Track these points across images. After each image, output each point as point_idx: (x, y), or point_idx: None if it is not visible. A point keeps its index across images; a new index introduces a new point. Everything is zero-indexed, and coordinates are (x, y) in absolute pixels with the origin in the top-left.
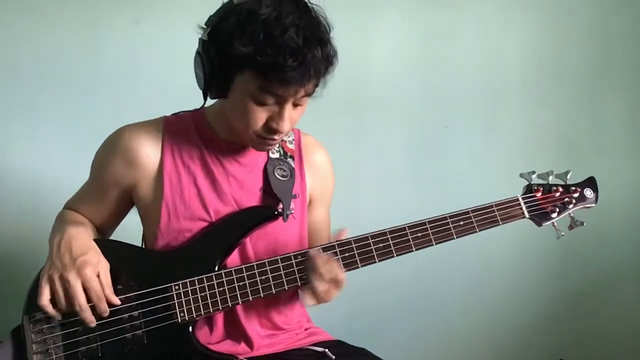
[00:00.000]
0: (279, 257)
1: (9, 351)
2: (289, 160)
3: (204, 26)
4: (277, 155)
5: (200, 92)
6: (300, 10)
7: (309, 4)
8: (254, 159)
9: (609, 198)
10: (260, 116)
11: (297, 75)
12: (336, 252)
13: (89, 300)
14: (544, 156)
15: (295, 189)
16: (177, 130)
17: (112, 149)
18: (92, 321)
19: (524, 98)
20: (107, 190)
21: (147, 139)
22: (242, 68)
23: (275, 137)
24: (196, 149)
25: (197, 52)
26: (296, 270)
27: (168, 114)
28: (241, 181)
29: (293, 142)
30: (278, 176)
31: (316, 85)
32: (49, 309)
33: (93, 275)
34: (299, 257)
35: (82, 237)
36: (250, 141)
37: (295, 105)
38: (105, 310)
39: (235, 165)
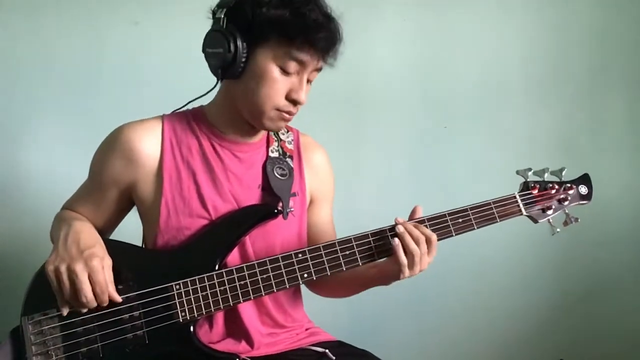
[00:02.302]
0: (279, 256)
1: (9, 352)
2: (288, 160)
3: (215, 8)
4: (276, 154)
5: (200, 92)
6: None
7: None
8: (253, 156)
9: (609, 198)
10: (282, 86)
11: (324, 39)
12: (337, 249)
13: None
14: (544, 156)
15: (295, 188)
16: (176, 126)
17: (111, 148)
18: (92, 307)
19: (524, 98)
20: (107, 190)
21: (146, 137)
22: (269, 35)
23: (293, 110)
24: (196, 145)
25: (214, 30)
26: (297, 269)
27: (168, 112)
28: (240, 178)
29: (292, 142)
30: (277, 175)
31: (329, 61)
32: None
33: (100, 268)
34: (300, 255)
35: (89, 231)
36: (267, 118)
37: (309, 80)
38: (106, 302)
39: (235, 161)
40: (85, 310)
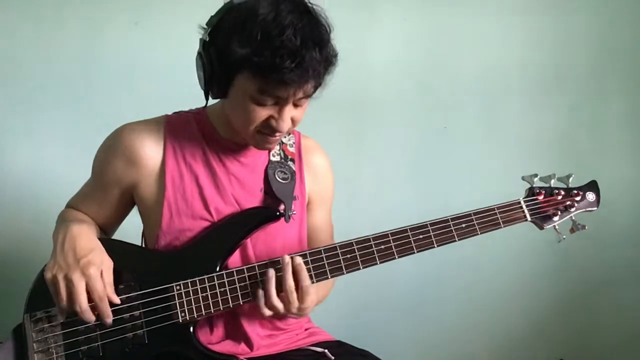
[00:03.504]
0: (280, 259)
1: (11, 350)
2: (290, 163)
3: (205, 26)
4: (277, 158)
5: (201, 91)
6: (300, 10)
7: (308, 4)
8: (255, 160)
9: (609, 198)
10: (260, 115)
11: (295, 76)
12: (338, 253)
13: (91, 300)
14: (544, 156)
15: (295, 191)
16: (178, 128)
17: (113, 148)
18: (91, 320)
19: (524, 98)
20: (109, 190)
21: (148, 138)
22: (241, 69)
23: (276, 135)
24: (198, 147)
25: (198, 53)
26: None
27: (170, 112)
28: (242, 181)
29: (294, 145)
30: (279, 179)
31: (316, 86)
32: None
33: (97, 276)
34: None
35: (86, 236)
36: (251, 139)
37: (295, 105)
38: (106, 310)
39: (237, 164)
40: (86, 317)
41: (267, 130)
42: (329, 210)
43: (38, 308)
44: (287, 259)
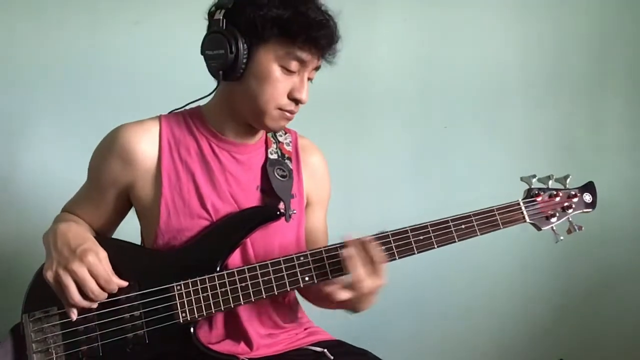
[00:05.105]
0: (281, 259)
1: (9, 349)
2: (287, 161)
3: (213, 8)
4: (275, 156)
5: (201, 92)
6: None
7: None
8: (252, 158)
9: (608, 197)
10: (284, 86)
11: (325, 37)
12: (339, 253)
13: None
14: (544, 156)
15: (293, 190)
16: (174, 127)
17: (109, 149)
18: (102, 300)
19: (525, 98)
20: (105, 191)
21: (143, 137)
22: (270, 35)
23: (295, 109)
24: (194, 145)
25: (214, 32)
26: (299, 272)
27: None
28: (238, 179)
29: (290, 144)
30: (278, 176)
31: (327, 58)
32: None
33: (96, 261)
34: (302, 258)
35: (76, 230)
36: (270, 118)
37: (309, 78)
38: (115, 289)
39: (233, 162)
40: (95, 306)
41: (288, 105)
42: (325, 211)
43: (36, 308)
44: (368, 237)
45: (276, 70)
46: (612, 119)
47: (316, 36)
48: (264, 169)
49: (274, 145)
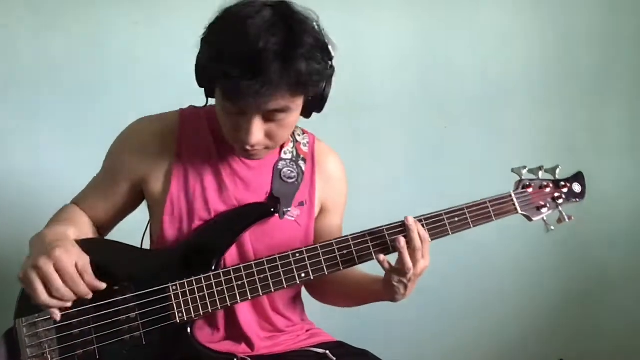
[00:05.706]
0: (277, 256)
1: (3, 354)
2: (301, 162)
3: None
4: (289, 156)
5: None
6: (278, 23)
7: (298, 16)
8: (263, 161)
9: (609, 197)
10: (233, 125)
11: (250, 88)
12: (334, 249)
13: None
14: (544, 156)
15: (304, 195)
16: (191, 125)
17: (127, 141)
18: (71, 299)
19: (524, 98)
20: (118, 182)
21: (161, 133)
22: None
23: (247, 148)
24: (207, 147)
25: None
26: (294, 269)
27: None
28: (247, 183)
29: (307, 144)
30: (284, 177)
31: (286, 102)
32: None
33: (64, 257)
34: (297, 254)
35: (56, 231)
36: (235, 147)
37: (268, 120)
38: (85, 292)
39: (243, 166)
40: (69, 305)
41: (239, 143)
42: (342, 216)
43: (29, 312)
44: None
45: (221, 112)
46: (614, 120)
47: (243, 87)
48: (274, 168)
49: (291, 144)
